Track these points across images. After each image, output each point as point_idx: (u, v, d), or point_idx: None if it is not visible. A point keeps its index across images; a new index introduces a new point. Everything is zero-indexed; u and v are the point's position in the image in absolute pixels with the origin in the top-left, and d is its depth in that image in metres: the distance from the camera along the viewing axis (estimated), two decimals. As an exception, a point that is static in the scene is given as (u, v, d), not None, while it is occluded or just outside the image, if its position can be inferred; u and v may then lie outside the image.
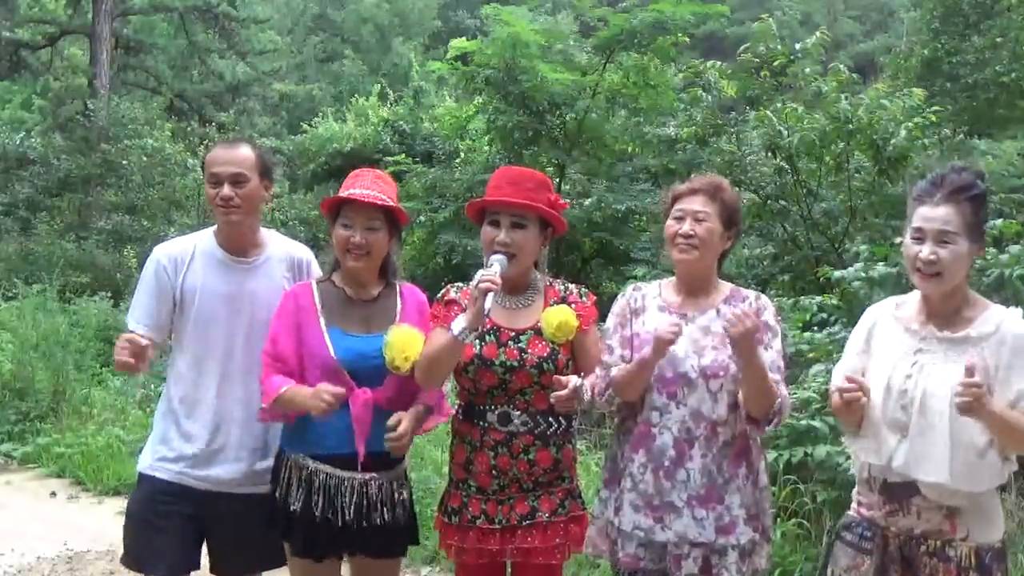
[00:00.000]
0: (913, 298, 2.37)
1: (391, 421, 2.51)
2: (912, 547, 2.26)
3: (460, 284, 2.69)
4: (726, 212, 2.47)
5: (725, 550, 2.37)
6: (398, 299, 2.68)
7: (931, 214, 2.20)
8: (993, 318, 2.22)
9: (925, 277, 2.21)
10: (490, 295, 2.36)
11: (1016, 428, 2.10)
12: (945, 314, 2.26)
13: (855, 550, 2.34)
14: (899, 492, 2.25)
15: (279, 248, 2.87)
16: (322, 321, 2.57)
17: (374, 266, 2.63)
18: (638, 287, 2.63)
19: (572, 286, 2.68)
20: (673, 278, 2.60)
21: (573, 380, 2.37)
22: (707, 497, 2.38)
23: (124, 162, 14.81)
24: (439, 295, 2.68)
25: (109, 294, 10.33)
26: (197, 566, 2.78)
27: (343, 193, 2.59)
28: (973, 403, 2.04)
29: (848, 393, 2.21)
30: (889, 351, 2.30)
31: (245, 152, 2.72)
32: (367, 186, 2.58)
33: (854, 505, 2.43)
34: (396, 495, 2.60)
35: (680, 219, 2.46)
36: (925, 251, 2.18)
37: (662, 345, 2.31)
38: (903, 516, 2.26)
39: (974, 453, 2.16)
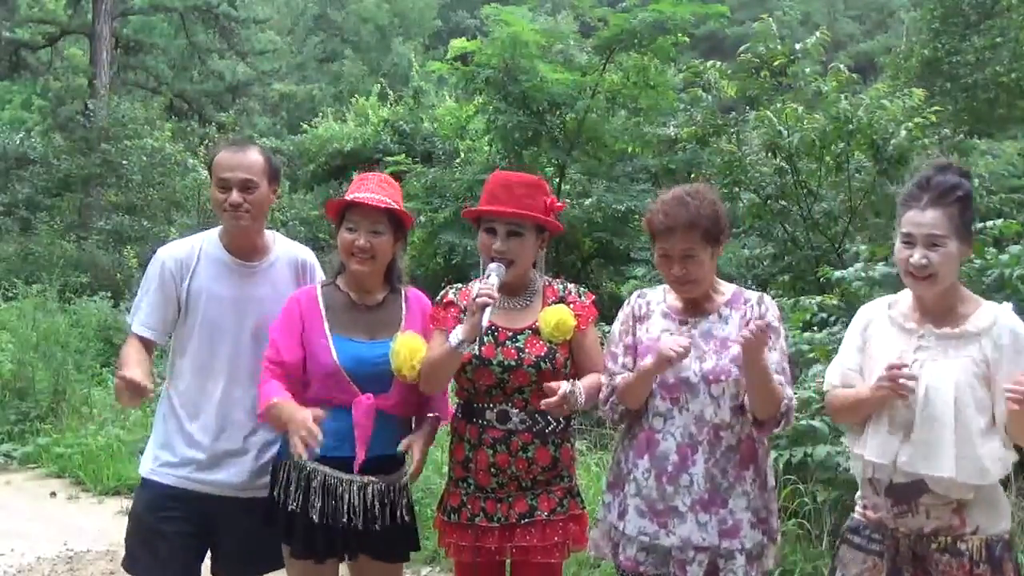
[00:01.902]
0: (905, 297, 2.40)
1: (401, 447, 2.54)
2: (923, 545, 2.28)
3: (459, 285, 2.70)
4: (709, 234, 2.39)
5: (732, 554, 2.35)
6: (403, 305, 2.68)
7: (919, 219, 2.24)
8: (988, 313, 2.27)
9: (919, 281, 2.25)
10: (488, 310, 2.37)
11: None
12: (940, 312, 2.30)
13: (864, 552, 2.35)
14: (906, 492, 2.27)
15: (283, 251, 2.86)
16: (326, 327, 2.56)
17: (379, 270, 2.62)
18: (643, 293, 2.61)
19: (571, 286, 2.68)
20: None
21: (563, 387, 2.37)
22: (710, 501, 2.36)
23: (124, 162, 14.81)
24: (438, 297, 2.68)
25: (109, 294, 10.33)
26: (198, 573, 2.77)
27: (348, 196, 2.58)
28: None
29: (902, 378, 2.18)
30: (887, 351, 2.32)
31: (255, 157, 2.70)
32: (372, 190, 2.59)
33: (859, 508, 2.43)
34: (396, 499, 2.60)
35: (666, 257, 2.41)
36: (916, 256, 2.22)
37: (663, 362, 2.29)
38: (912, 516, 2.27)
39: (979, 447, 2.19)
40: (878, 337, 2.38)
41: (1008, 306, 2.30)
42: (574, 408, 2.45)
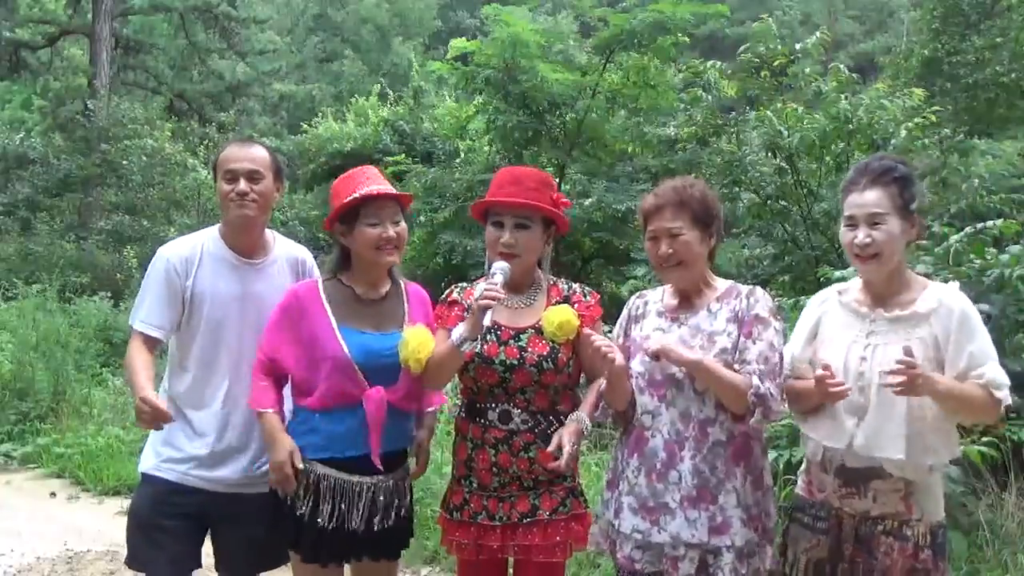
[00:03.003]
0: (855, 284, 2.46)
1: (414, 445, 2.61)
2: (868, 527, 2.33)
3: (463, 284, 2.70)
4: (698, 217, 2.41)
5: (719, 551, 2.35)
6: (404, 298, 2.69)
7: (859, 200, 2.31)
8: (934, 294, 2.32)
9: (864, 260, 2.31)
10: (490, 311, 2.38)
11: (964, 397, 2.19)
12: (888, 296, 2.35)
13: (810, 531, 2.41)
14: (857, 476, 2.32)
15: (284, 250, 2.88)
16: (333, 320, 2.56)
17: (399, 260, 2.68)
18: (642, 294, 2.63)
19: (576, 285, 2.68)
20: None
21: (565, 446, 2.39)
22: (699, 498, 2.36)
23: (124, 162, 14.82)
24: (443, 296, 2.69)
25: (109, 294, 10.34)
26: (199, 566, 2.78)
27: (362, 191, 2.55)
28: (907, 382, 2.10)
29: (830, 383, 2.21)
30: (839, 336, 2.37)
31: (261, 151, 2.76)
32: (379, 183, 2.61)
33: (803, 484, 2.48)
34: (402, 495, 2.61)
35: (655, 239, 2.44)
36: (860, 235, 2.29)
37: (598, 353, 2.31)
38: (859, 499, 2.33)
39: (929, 428, 2.24)
40: (830, 323, 2.42)
41: (955, 285, 2.35)
42: (587, 437, 2.50)
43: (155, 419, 2.49)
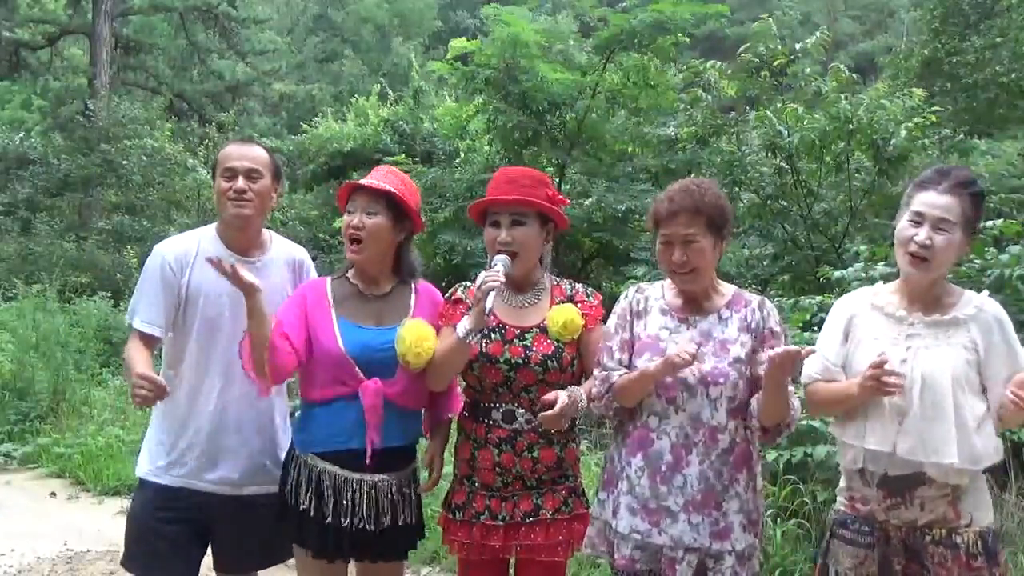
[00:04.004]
0: (887, 287, 2.45)
1: (424, 463, 2.65)
2: (916, 538, 2.29)
3: (467, 283, 2.70)
4: (713, 222, 2.38)
5: (721, 555, 2.34)
6: (412, 296, 2.68)
7: (935, 200, 2.28)
8: (972, 301, 2.33)
9: (915, 261, 2.28)
10: (492, 294, 2.37)
11: None
12: (928, 300, 2.35)
13: (855, 547, 2.36)
14: (901, 485, 2.28)
15: (280, 249, 2.87)
16: (333, 313, 2.57)
17: (374, 255, 2.61)
18: (640, 288, 2.58)
19: (579, 286, 2.69)
20: None
21: (561, 399, 2.39)
22: (704, 503, 2.35)
23: (124, 162, 14.82)
24: (447, 294, 2.69)
25: (109, 294, 10.34)
26: (197, 571, 2.77)
27: (360, 181, 2.62)
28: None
29: (887, 375, 2.20)
30: (875, 339, 2.35)
31: (261, 152, 2.76)
32: (375, 177, 2.62)
33: (843, 500, 2.44)
34: (407, 496, 2.60)
35: (668, 244, 2.40)
36: (922, 234, 2.26)
37: (669, 367, 2.27)
38: (905, 508, 2.29)
39: (975, 432, 2.23)
40: (864, 327, 2.39)
41: (986, 293, 2.37)
42: (577, 414, 2.47)
43: (155, 394, 2.42)
